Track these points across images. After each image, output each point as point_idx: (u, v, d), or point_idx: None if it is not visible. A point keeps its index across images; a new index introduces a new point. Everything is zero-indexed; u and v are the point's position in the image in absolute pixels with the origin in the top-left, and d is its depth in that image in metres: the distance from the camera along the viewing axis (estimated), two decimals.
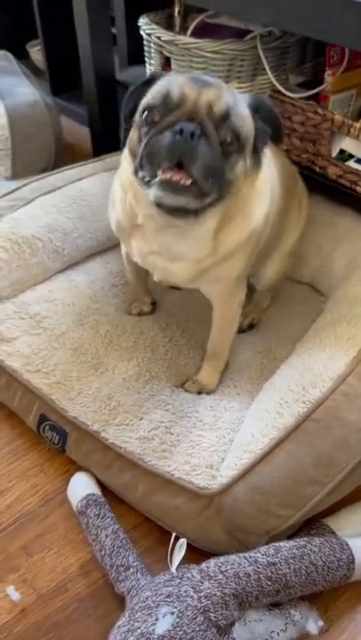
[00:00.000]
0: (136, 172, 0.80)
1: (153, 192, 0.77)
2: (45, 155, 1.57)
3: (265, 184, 0.91)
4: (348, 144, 1.13)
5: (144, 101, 0.79)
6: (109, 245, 1.31)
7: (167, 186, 0.75)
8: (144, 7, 1.34)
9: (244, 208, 0.88)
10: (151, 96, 0.78)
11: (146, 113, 0.77)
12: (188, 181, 0.74)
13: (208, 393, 1.06)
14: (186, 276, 0.92)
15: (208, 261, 0.90)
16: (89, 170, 1.34)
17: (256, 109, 0.81)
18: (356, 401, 0.86)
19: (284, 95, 1.18)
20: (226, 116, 0.75)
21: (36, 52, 2.20)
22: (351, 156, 1.14)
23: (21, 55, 2.20)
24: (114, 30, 1.82)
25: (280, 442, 0.84)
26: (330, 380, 0.88)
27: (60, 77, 2.08)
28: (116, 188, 0.96)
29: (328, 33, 0.92)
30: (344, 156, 1.15)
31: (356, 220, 1.23)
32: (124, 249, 1.09)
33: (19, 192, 1.24)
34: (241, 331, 1.19)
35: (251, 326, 1.21)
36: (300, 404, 0.87)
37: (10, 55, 1.73)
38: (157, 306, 1.24)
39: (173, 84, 0.76)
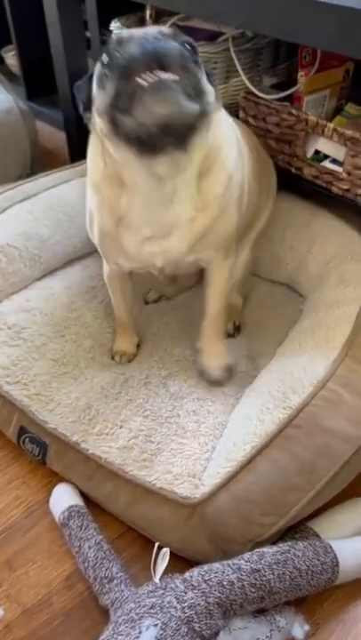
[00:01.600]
0: (115, 119, 0.73)
1: (135, 112, 0.70)
2: (21, 161, 1.55)
3: (229, 132, 0.92)
4: (322, 145, 1.13)
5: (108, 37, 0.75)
6: (87, 251, 1.30)
7: (154, 90, 0.68)
8: (116, 11, 1.34)
9: (217, 155, 0.86)
10: (115, 25, 0.79)
11: (102, 62, 0.73)
12: (175, 76, 0.68)
13: (231, 368, 1.05)
14: (184, 245, 0.90)
15: (200, 221, 0.89)
16: (64, 176, 1.33)
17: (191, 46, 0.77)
18: (336, 406, 0.85)
19: (258, 97, 1.18)
20: (175, 34, 0.73)
21: (10, 57, 2.18)
22: (326, 157, 1.14)
23: None
24: (88, 34, 1.81)
25: (262, 449, 0.83)
26: (310, 385, 0.88)
27: (35, 82, 2.07)
28: (89, 195, 0.95)
29: (298, 35, 0.92)
30: (319, 156, 1.15)
31: (331, 221, 1.23)
32: (106, 268, 1.07)
33: None
34: (229, 335, 1.18)
35: (238, 329, 1.20)
36: (280, 410, 0.86)
37: None
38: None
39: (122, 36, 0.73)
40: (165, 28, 0.75)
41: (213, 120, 0.81)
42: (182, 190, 0.85)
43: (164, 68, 0.69)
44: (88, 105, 0.80)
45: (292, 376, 0.92)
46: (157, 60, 0.68)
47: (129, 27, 1.27)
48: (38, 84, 2.06)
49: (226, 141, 0.91)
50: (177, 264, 0.96)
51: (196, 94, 0.72)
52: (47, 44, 1.50)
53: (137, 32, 0.74)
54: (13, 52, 2.09)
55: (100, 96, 0.76)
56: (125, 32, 0.75)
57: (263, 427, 0.86)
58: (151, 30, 0.73)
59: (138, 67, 0.68)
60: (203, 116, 0.75)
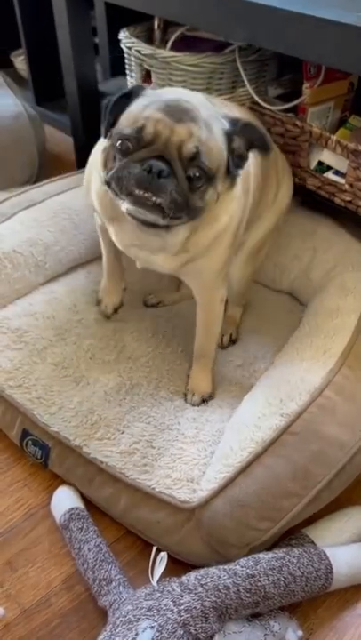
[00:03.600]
0: (108, 185, 0.82)
1: (125, 205, 0.81)
2: (29, 166, 1.57)
3: (236, 189, 0.92)
4: (326, 156, 1.15)
5: (119, 128, 0.81)
6: (92, 257, 1.32)
7: (138, 201, 0.79)
8: (125, 19, 1.35)
9: (210, 217, 0.90)
10: (127, 123, 0.80)
11: (120, 142, 0.79)
12: (159, 200, 0.78)
13: (209, 399, 1.07)
14: (167, 266, 0.95)
15: (188, 254, 0.93)
16: (70, 183, 1.34)
17: (231, 139, 0.83)
18: (332, 414, 0.87)
19: (263, 107, 1.19)
20: (195, 157, 0.78)
21: (20, 61, 2.20)
22: (329, 168, 1.16)
23: (6, 64, 2.22)
24: (97, 40, 1.83)
25: (258, 455, 0.85)
26: (307, 392, 0.89)
27: (44, 86, 2.09)
28: (92, 172, 0.97)
29: (300, 50, 0.93)
30: (322, 167, 1.17)
31: (334, 231, 1.24)
32: (98, 221, 1.08)
33: None
34: (223, 347, 1.20)
35: (233, 342, 1.21)
36: (277, 416, 0.88)
37: None
38: (141, 317, 1.24)
39: (149, 119, 0.78)
40: (187, 147, 0.78)
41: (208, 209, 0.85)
42: (171, 239, 0.89)
43: (156, 195, 0.77)
44: (112, 124, 0.84)
45: (289, 384, 0.93)
46: (152, 189, 0.77)
47: (137, 36, 1.28)
48: (47, 88, 2.08)
49: (225, 205, 0.91)
50: (160, 271, 1.00)
51: (182, 213, 0.80)
52: (56, 50, 1.52)
53: (159, 136, 0.77)
54: (22, 57, 2.11)
55: (110, 150, 0.83)
56: (150, 128, 0.77)
57: (260, 433, 0.87)
58: (159, 165, 0.77)
59: (132, 186, 0.78)
60: (189, 220, 0.83)
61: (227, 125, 0.83)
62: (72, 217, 1.28)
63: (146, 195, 0.78)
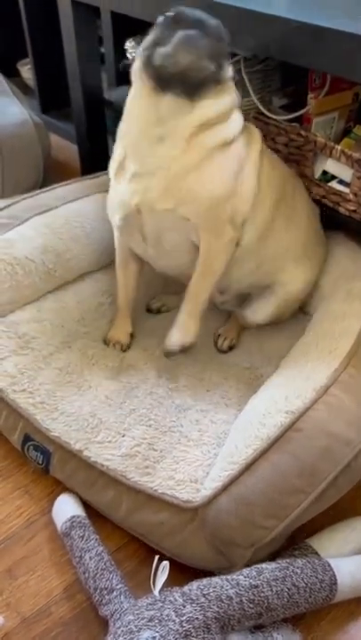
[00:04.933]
0: (146, 57, 0.90)
1: (165, 49, 0.87)
2: (34, 173, 1.58)
3: (239, 115, 1.00)
4: (330, 165, 1.15)
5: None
6: (101, 266, 1.32)
7: (183, 37, 0.86)
8: (131, 28, 1.37)
9: (221, 120, 0.95)
10: (130, 44, 1.00)
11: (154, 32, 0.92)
12: (206, 38, 0.86)
13: (190, 347, 1.06)
14: (162, 185, 0.96)
15: (181, 161, 0.95)
16: (83, 190, 1.34)
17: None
18: (338, 411, 0.87)
19: (268, 117, 1.20)
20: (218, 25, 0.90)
21: (26, 70, 2.22)
22: (334, 177, 1.16)
23: (12, 73, 2.23)
24: (102, 49, 1.85)
25: (263, 452, 0.84)
26: (313, 390, 0.89)
27: (50, 95, 2.11)
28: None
29: (306, 60, 0.94)
30: (327, 176, 1.17)
31: (339, 240, 1.24)
32: (117, 241, 1.13)
33: (11, 209, 1.25)
34: (221, 352, 1.20)
35: (230, 347, 1.22)
36: (282, 414, 0.88)
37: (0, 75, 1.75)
38: (143, 325, 1.25)
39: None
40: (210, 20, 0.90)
41: (226, 90, 0.94)
42: (174, 134, 0.93)
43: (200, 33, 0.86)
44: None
45: (294, 382, 0.94)
46: (198, 25, 0.87)
47: None
48: (52, 97, 2.10)
49: (234, 120, 0.98)
50: (159, 220, 1.00)
51: (216, 60, 0.89)
52: (62, 59, 1.54)
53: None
54: (29, 66, 2.13)
55: (147, 39, 0.92)
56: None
57: (265, 430, 0.87)
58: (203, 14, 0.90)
59: (182, 22, 0.87)
60: (214, 77, 0.90)
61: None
62: (84, 225, 1.28)
63: (193, 32, 0.86)
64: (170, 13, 0.89)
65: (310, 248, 1.18)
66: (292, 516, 0.82)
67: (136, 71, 0.94)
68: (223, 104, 0.95)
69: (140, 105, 0.95)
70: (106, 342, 1.19)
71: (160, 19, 0.91)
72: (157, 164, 0.95)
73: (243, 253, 1.07)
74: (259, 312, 1.18)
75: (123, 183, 1.01)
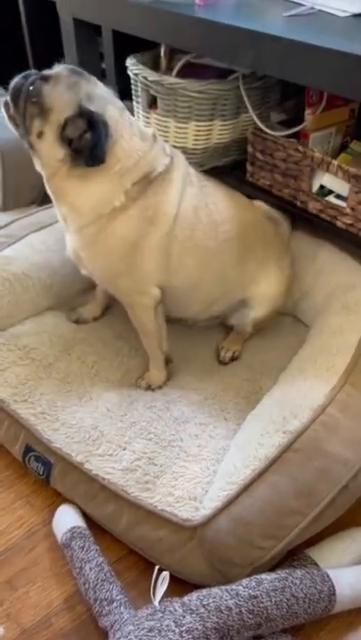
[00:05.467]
0: None
1: None
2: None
3: (98, 194, 0.97)
4: (327, 180, 1.17)
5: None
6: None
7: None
8: (132, 45, 1.39)
9: (65, 196, 0.99)
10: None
11: None
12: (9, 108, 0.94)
13: (157, 389, 1.13)
14: (73, 246, 1.05)
15: (76, 242, 1.02)
16: None
17: (90, 124, 0.91)
18: (335, 431, 0.87)
19: (266, 133, 1.22)
20: (46, 78, 0.92)
21: None
22: (331, 192, 1.18)
23: None
24: (103, 65, 1.87)
25: (261, 472, 0.85)
26: (310, 410, 0.90)
27: None
28: None
29: (304, 78, 0.96)
30: (324, 191, 1.19)
31: (335, 253, 1.26)
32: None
33: (8, 229, 1.28)
34: (224, 364, 1.21)
35: (233, 359, 1.23)
36: (280, 434, 0.88)
37: (2, 90, 1.78)
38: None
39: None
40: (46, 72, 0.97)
41: (57, 173, 0.97)
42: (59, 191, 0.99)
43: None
44: None
45: (292, 401, 0.94)
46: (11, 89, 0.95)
47: (144, 63, 1.31)
48: None
49: (82, 201, 0.98)
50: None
51: (17, 122, 0.95)
52: None
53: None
54: None
55: None
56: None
57: (263, 450, 0.88)
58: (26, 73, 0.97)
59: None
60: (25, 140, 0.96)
61: (89, 109, 0.91)
62: None
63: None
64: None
65: (272, 253, 1.20)
66: (291, 536, 0.83)
67: None
68: (53, 180, 0.99)
69: None
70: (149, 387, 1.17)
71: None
72: (63, 215, 1.03)
73: (185, 293, 1.11)
74: (249, 319, 1.21)
75: None
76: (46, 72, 0.95)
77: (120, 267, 1.02)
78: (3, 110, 0.96)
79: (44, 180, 1.01)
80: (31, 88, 0.91)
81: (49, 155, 0.94)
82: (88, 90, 0.94)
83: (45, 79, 0.93)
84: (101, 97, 0.96)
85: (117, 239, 0.99)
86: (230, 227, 1.11)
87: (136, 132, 0.99)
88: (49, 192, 1.02)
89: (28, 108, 0.92)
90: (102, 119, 0.91)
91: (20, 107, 0.92)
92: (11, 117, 0.96)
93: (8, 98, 0.94)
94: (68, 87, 0.92)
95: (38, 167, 1.00)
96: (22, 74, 0.96)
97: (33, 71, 0.96)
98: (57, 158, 0.94)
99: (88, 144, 0.91)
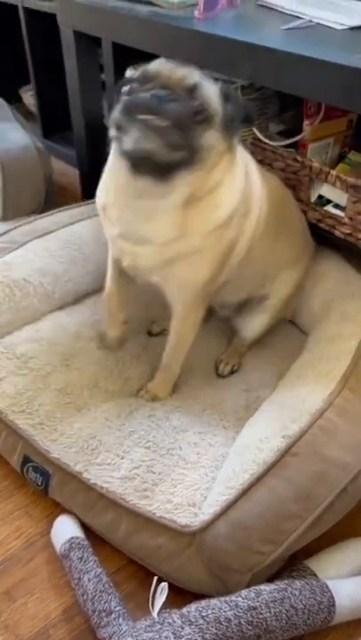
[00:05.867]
0: (115, 126, 0.85)
1: (128, 137, 0.82)
2: (36, 197, 1.61)
3: (238, 179, 0.95)
4: (326, 190, 1.17)
5: (125, 77, 0.87)
6: (98, 288, 1.33)
7: (143, 125, 0.80)
8: (132, 57, 1.40)
9: (213, 191, 0.91)
10: (130, 73, 0.86)
11: (126, 87, 0.84)
12: (164, 123, 0.79)
13: (159, 400, 1.11)
14: (151, 261, 0.95)
15: (174, 248, 0.93)
16: (80, 214, 1.36)
17: (226, 97, 0.87)
18: (334, 435, 0.87)
19: (265, 143, 1.23)
20: (195, 88, 0.83)
21: (28, 96, 2.27)
22: (329, 202, 1.18)
23: (15, 99, 2.28)
24: (103, 76, 1.89)
25: (260, 477, 0.85)
26: (308, 414, 0.90)
27: (51, 120, 2.15)
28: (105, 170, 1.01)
29: (302, 89, 0.97)
30: (323, 201, 1.19)
31: (334, 261, 1.27)
32: (110, 249, 1.11)
33: (9, 235, 1.27)
34: (223, 377, 1.21)
35: (232, 372, 1.22)
36: (279, 438, 0.88)
37: (2, 101, 1.79)
38: (144, 346, 1.25)
39: (150, 64, 0.86)
40: (187, 80, 0.83)
41: (217, 165, 0.88)
42: (163, 212, 0.90)
43: (159, 117, 0.79)
44: (110, 109, 0.89)
45: (291, 406, 0.94)
46: (156, 111, 0.80)
47: None
48: (54, 122, 2.14)
49: (228, 186, 0.93)
50: (143, 274, 1.01)
51: (182, 146, 0.82)
52: (64, 85, 1.58)
53: (161, 73, 0.84)
54: (31, 92, 2.18)
55: (114, 110, 0.86)
56: (153, 67, 0.85)
57: (262, 455, 0.88)
58: (163, 92, 0.81)
59: (140, 109, 0.80)
60: (186, 162, 0.84)
61: (218, 86, 0.87)
62: (82, 248, 1.30)
63: (150, 117, 0.79)
64: (135, 87, 0.83)
65: (299, 252, 1.20)
66: (290, 540, 0.82)
67: (112, 135, 0.88)
68: (208, 179, 0.89)
69: (118, 176, 0.92)
70: (100, 338, 1.18)
71: (128, 80, 0.85)
72: (146, 238, 0.93)
73: (231, 279, 1.08)
74: (255, 324, 1.20)
75: (111, 229, 0.99)
76: (184, 82, 0.82)
77: (215, 272, 0.99)
78: (153, 140, 0.80)
79: (183, 194, 0.88)
80: (197, 105, 0.81)
81: (219, 156, 0.88)
82: (196, 76, 0.85)
83: (189, 90, 0.82)
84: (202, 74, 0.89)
85: (225, 242, 0.96)
86: (284, 218, 1.12)
87: None
88: (173, 202, 0.89)
89: (197, 126, 0.82)
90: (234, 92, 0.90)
91: (188, 130, 0.81)
92: (168, 144, 0.81)
93: (166, 124, 0.79)
94: (206, 83, 0.85)
95: (194, 181, 0.87)
96: (153, 96, 0.80)
97: (153, 96, 0.80)
98: (222, 154, 0.88)
99: (239, 108, 0.88)
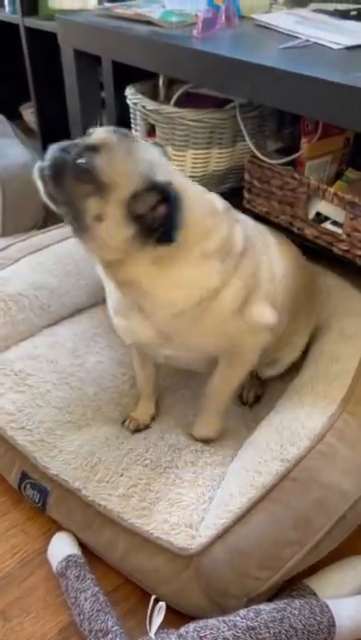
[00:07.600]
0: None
1: None
2: (35, 213, 1.62)
3: (207, 275, 0.86)
4: (323, 207, 1.18)
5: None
6: (95, 302, 1.34)
7: (38, 173, 0.81)
8: (131, 75, 1.42)
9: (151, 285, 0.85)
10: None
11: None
12: (46, 172, 0.79)
13: (210, 442, 1.07)
14: (151, 334, 0.91)
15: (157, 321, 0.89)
16: None
17: (164, 196, 0.77)
18: (333, 460, 0.86)
19: (263, 161, 1.24)
20: (95, 148, 0.76)
21: (29, 113, 2.29)
22: (327, 219, 1.19)
23: (15, 116, 2.30)
24: (103, 94, 1.91)
25: (258, 501, 0.84)
26: (307, 438, 0.89)
27: (51, 137, 2.15)
28: None
29: (300, 107, 0.98)
30: (320, 218, 1.20)
31: (332, 279, 1.27)
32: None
33: (5, 252, 1.29)
34: (248, 404, 1.19)
35: (257, 399, 1.20)
36: (278, 462, 0.87)
37: (3, 118, 1.81)
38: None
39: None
40: (93, 138, 0.80)
41: (128, 254, 0.81)
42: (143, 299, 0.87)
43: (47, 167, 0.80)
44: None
45: (290, 429, 0.93)
46: (49, 161, 0.79)
47: (143, 92, 1.35)
48: (54, 139, 2.14)
49: (176, 285, 0.86)
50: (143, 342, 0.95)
51: (60, 201, 0.80)
52: (64, 102, 1.59)
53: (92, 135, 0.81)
54: (31, 110, 2.20)
55: None
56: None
57: (260, 479, 0.87)
58: (65, 144, 0.80)
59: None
60: (73, 225, 0.81)
61: (158, 180, 0.78)
62: (77, 262, 1.31)
63: (43, 165, 0.79)
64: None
65: (313, 305, 1.20)
66: (287, 567, 0.81)
67: None
68: (122, 265, 0.83)
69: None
70: (124, 421, 1.12)
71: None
72: (133, 315, 0.90)
73: None
74: (277, 368, 1.18)
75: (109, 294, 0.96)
76: (90, 140, 0.79)
77: (230, 330, 0.93)
78: (38, 183, 0.80)
79: (104, 269, 0.86)
80: (80, 162, 0.75)
81: (112, 237, 0.79)
82: (146, 156, 0.80)
83: (94, 149, 0.76)
84: (162, 163, 0.83)
85: (225, 312, 0.89)
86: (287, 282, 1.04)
87: (206, 203, 0.88)
88: (111, 282, 0.87)
89: (78, 187, 0.76)
90: (174, 190, 0.77)
91: (66, 186, 0.76)
92: (49, 195, 0.80)
93: (47, 173, 0.78)
94: (125, 156, 0.77)
95: (95, 253, 0.83)
96: (58, 145, 0.79)
97: (69, 142, 0.79)
98: (122, 239, 0.79)
99: (161, 218, 0.77)
